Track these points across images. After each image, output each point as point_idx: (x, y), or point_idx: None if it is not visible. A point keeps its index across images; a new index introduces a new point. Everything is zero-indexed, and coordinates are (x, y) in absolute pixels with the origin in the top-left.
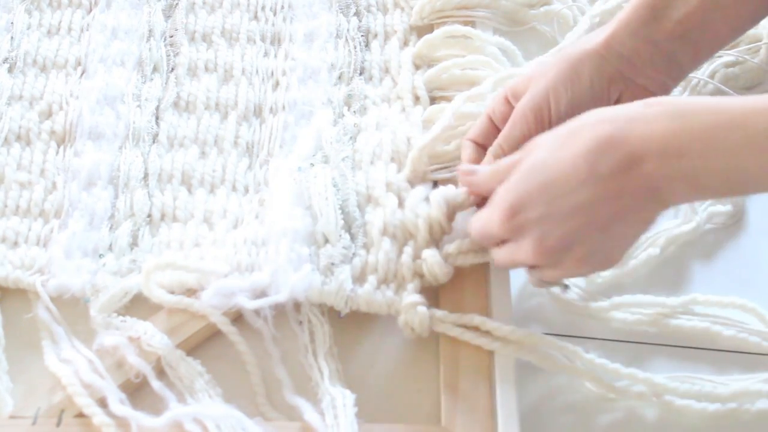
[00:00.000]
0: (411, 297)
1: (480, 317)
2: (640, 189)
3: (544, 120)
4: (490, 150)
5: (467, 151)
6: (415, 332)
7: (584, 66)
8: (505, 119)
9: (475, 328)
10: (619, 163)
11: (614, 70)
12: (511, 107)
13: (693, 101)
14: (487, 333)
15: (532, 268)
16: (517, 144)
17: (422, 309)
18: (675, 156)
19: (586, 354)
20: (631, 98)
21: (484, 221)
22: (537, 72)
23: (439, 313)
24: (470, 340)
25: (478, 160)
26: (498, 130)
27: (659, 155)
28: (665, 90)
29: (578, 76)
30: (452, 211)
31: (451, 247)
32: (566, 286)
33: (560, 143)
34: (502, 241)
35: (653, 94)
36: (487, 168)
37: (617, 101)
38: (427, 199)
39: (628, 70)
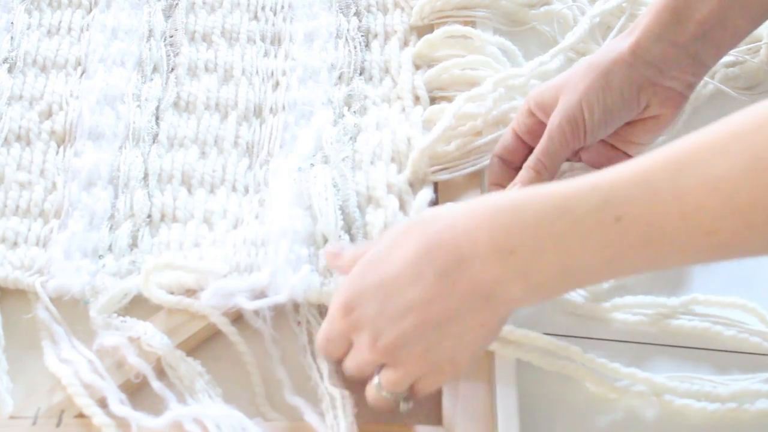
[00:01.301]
0: None
1: None
2: (469, 291)
3: (580, 131)
4: (529, 164)
5: (494, 168)
6: None
7: (614, 75)
8: (531, 132)
9: None
10: (445, 264)
11: (642, 76)
12: (536, 119)
13: (519, 195)
14: None
15: (378, 374)
16: (557, 156)
17: None
18: (505, 252)
19: (586, 354)
20: (660, 101)
21: (328, 318)
22: (564, 84)
23: None
24: None
25: (505, 176)
26: (524, 144)
27: (487, 254)
28: (690, 88)
29: (609, 85)
30: None
31: None
32: (408, 400)
33: (394, 241)
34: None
35: (680, 94)
36: (349, 252)
37: (647, 107)
38: (430, 203)
39: (655, 75)
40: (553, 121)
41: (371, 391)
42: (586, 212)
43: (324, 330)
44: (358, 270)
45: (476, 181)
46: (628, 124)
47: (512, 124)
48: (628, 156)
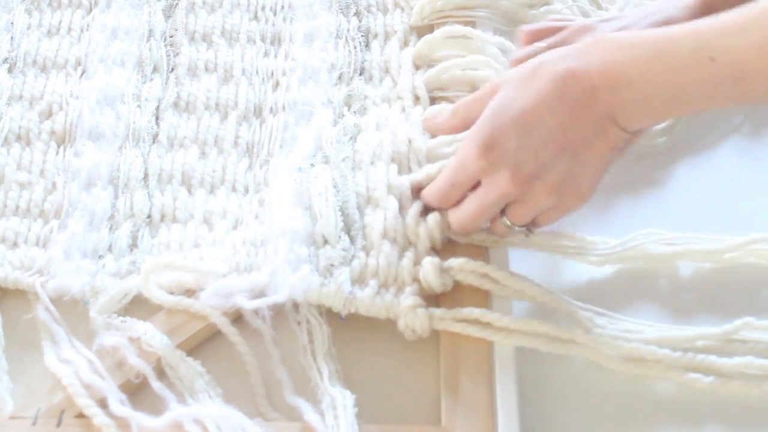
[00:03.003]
0: (409, 299)
1: (479, 309)
2: (600, 115)
3: None
4: None
5: None
6: (416, 334)
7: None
8: None
9: (476, 321)
10: (581, 93)
11: None
12: None
13: (641, 34)
14: (487, 325)
15: (500, 214)
16: None
17: (422, 311)
18: (624, 84)
19: (587, 334)
20: None
21: (457, 163)
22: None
23: (438, 311)
24: (472, 334)
25: None
26: None
27: (610, 85)
28: None
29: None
30: (446, 228)
31: (455, 262)
32: (530, 231)
33: (526, 81)
34: (473, 188)
35: None
36: (445, 110)
37: None
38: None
39: None
40: None
41: (498, 225)
42: (687, 52)
43: (448, 177)
44: (490, 113)
45: None
46: None
47: None
48: None
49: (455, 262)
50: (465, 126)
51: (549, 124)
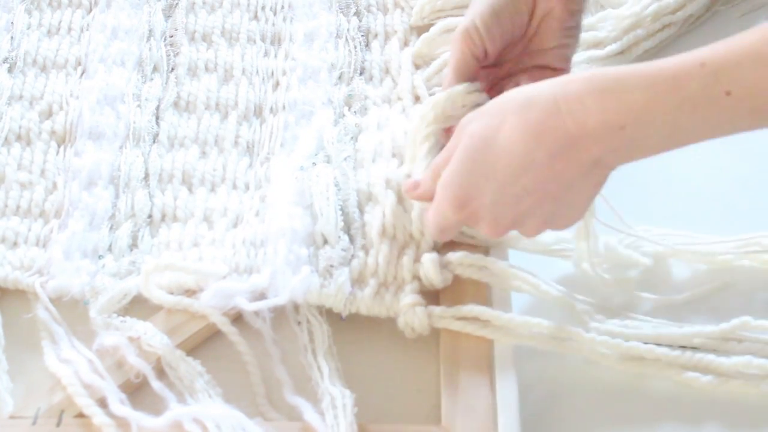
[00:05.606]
0: (409, 297)
1: (479, 307)
2: (584, 164)
3: (473, 37)
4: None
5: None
6: (416, 332)
7: None
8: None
9: (475, 319)
10: (555, 147)
11: None
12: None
13: (623, 74)
14: (487, 323)
15: None
16: (465, 69)
17: (421, 309)
18: (615, 128)
19: (586, 333)
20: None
21: (437, 217)
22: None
23: (437, 309)
24: (472, 332)
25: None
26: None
27: (598, 134)
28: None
29: None
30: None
31: (453, 257)
32: None
33: (492, 129)
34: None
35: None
36: (426, 174)
37: (534, 6)
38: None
39: None
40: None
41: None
42: (697, 89)
43: (437, 223)
44: (460, 162)
45: None
46: (532, 33)
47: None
48: (562, 71)
49: (454, 256)
50: None
51: (524, 182)
